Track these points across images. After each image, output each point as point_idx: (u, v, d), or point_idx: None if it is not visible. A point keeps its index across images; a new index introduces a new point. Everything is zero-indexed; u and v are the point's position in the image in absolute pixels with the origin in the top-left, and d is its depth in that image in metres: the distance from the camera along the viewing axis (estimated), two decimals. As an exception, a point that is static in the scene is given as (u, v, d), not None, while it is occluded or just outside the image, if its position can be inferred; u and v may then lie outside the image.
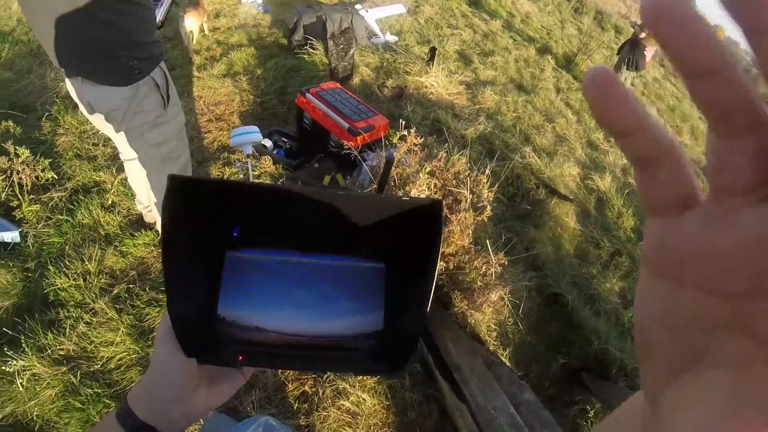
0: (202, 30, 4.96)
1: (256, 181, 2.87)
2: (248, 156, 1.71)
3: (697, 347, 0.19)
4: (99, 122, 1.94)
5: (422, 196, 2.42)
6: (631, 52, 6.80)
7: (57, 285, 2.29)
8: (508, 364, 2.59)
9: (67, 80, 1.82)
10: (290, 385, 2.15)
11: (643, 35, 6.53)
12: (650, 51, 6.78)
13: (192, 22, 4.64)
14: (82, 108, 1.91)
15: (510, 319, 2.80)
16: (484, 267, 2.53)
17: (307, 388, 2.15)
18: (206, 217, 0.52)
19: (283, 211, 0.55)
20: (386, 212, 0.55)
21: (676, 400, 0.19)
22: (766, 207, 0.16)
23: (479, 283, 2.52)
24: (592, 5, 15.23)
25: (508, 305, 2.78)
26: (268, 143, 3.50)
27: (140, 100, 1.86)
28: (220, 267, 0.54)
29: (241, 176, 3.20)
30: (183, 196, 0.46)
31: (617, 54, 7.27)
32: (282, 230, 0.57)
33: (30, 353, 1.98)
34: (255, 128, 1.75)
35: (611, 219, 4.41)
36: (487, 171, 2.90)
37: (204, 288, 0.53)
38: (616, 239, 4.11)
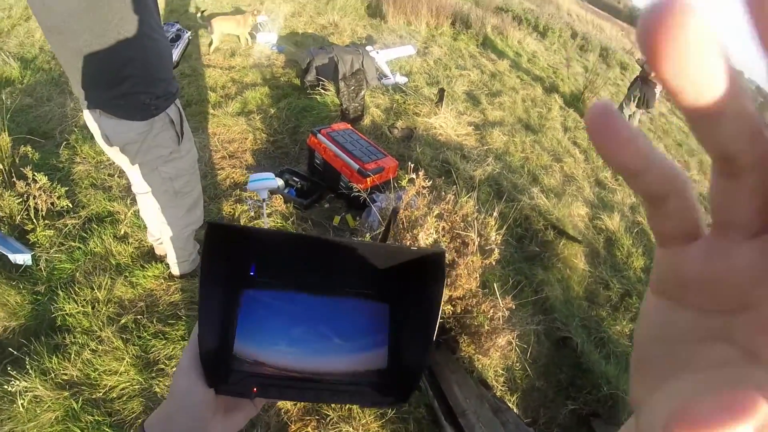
0: (246, 40, 5.50)
1: (273, 228, 2.90)
2: (263, 200, 1.76)
3: (686, 356, 0.21)
4: (114, 154, 2.01)
5: (430, 239, 2.45)
6: (641, 91, 6.82)
7: (65, 310, 2.32)
8: (515, 410, 2.54)
9: (85, 111, 1.89)
10: (293, 426, 2.13)
11: (654, 73, 6.58)
12: (659, 88, 6.83)
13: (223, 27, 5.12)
14: (98, 139, 1.97)
15: (518, 364, 2.76)
16: (491, 311, 2.52)
17: (309, 429, 2.14)
18: (230, 258, 0.56)
19: (295, 255, 0.60)
20: (393, 260, 0.58)
21: (657, 398, 0.21)
22: (760, 240, 0.18)
23: (487, 327, 2.51)
24: (597, 42, 15.50)
25: (516, 349, 2.75)
26: (280, 182, 3.53)
27: (155, 135, 1.93)
28: (238, 303, 0.58)
29: (252, 214, 3.25)
30: (217, 238, 0.51)
31: (628, 90, 7.31)
32: (293, 272, 0.60)
33: (33, 375, 2.00)
34: (271, 175, 1.81)
35: (621, 259, 4.38)
36: (495, 213, 2.92)
37: (224, 323, 0.56)
38: (626, 280, 4.07)
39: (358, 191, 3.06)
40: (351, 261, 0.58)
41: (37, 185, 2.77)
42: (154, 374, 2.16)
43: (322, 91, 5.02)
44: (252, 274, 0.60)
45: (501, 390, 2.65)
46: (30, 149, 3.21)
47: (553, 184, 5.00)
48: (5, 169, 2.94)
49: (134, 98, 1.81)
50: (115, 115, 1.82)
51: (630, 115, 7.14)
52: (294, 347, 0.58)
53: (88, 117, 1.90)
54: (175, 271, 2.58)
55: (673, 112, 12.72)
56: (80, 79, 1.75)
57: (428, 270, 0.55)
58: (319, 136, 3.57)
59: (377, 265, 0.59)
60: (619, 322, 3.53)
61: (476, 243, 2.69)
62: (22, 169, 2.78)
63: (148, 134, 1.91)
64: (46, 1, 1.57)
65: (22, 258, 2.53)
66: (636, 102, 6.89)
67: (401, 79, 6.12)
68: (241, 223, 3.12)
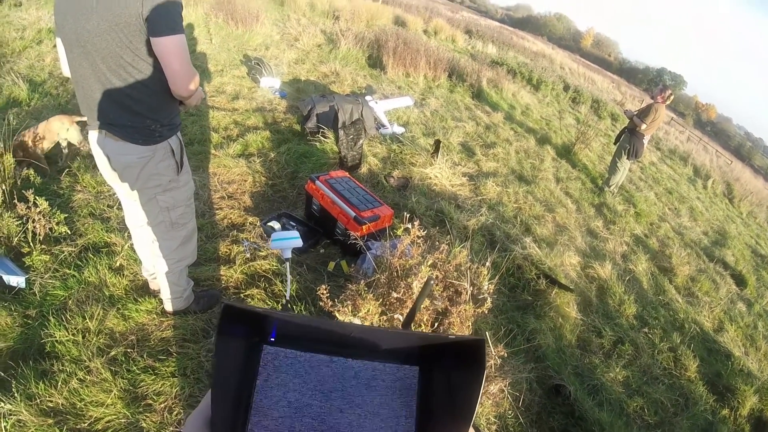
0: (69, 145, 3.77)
1: (299, 314, 2.70)
2: (287, 260, 1.80)
3: None
4: (114, 179, 2.07)
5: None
6: (629, 142, 7.04)
7: (55, 337, 2.30)
8: (508, 459, 2.57)
9: (91, 132, 1.96)
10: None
11: (644, 126, 6.79)
12: (647, 137, 7.04)
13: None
14: (100, 162, 2.04)
15: (510, 412, 2.75)
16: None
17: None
18: (247, 329, 0.56)
19: (320, 330, 0.59)
20: (426, 340, 0.59)
21: None
22: None
23: (486, 373, 2.55)
24: (588, 95, 16.03)
25: (508, 397, 2.75)
26: (277, 225, 3.62)
27: (156, 162, 2.00)
28: (257, 362, 0.57)
29: (248, 255, 3.27)
30: (232, 315, 0.51)
31: (614, 143, 7.52)
32: (317, 339, 0.59)
33: (19, 399, 1.97)
34: (296, 233, 1.84)
35: (613, 307, 4.43)
36: (488, 263, 3.00)
37: (241, 385, 0.56)
38: (618, 327, 4.11)
39: (354, 238, 3.12)
40: (379, 340, 0.58)
41: (38, 209, 2.79)
42: (141, 409, 2.14)
43: (322, 138, 5.17)
44: (272, 339, 0.59)
45: (493, 439, 2.66)
46: (33, 173, 3.26)
47: (545, 234, 5.10)
48: (6, 190, 2.96)
49: (141, 123, 1.89)
50: (120, 137, 1.90)
51: (623, 168, 7.36)
52: (316, 412, 0.56)
53: (92, 138, 1.97)
54: (169, 307, 2.59)
55: (663, 161, 13.02)
56: (92, 99, 1.84)
57: (466, 351, 0.54)
58: (317, 182, 3.67)
59: (406, 345, 0.59)
60: (612, 369, 3.55)
61: (469, 292, 2.76)
62: (23, 191, 2.81)
63: (150, 160, 1.98)
64: (77, 15, 1.68)
65: (16, 280, 2.52)
66: (627, 153, 7.09)
67: (399, 130, 6.32)
68: (237, 264, 3.16)
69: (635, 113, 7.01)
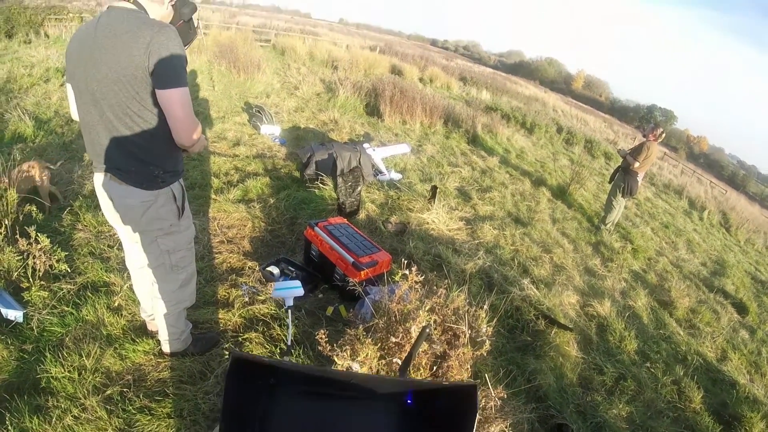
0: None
1: (303, 364, 2.77)
2: (289, 308, 1.83)
3: None
4: (116, 220, 2.13)
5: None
6: (623, 180, 7.16)
7: (51, 373, 2.30)
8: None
9: (96, 174, 2.03)
10: None
11: (637, 164, 6.93)
12: (641, 175, 7.17)
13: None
14: (103, 203, 2.11)
15: None
16: (483, 401, 2.59)
17: None
18: (255, 376, 0.60)
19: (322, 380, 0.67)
20: (421, 386, 0.65)
21: None
22: None
23: (478, 417, 2.57)
24: (581, 135, 16.34)
25: (509, 439, 2.79)
26: (276, 270, 3.65)
27: (159, 207, 2.06)
28: (261, 407, 0.61)
29: (246, 299, 3.29)
30: (240, 366, 0.58)
31: (609, 182, 7.66)
32: (317, 384, 0.63)
33: None
34: (297, 283, 1.88)
35: (613, 344, 4.42)
36: (486, 305, 3.04)
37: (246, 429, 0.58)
38: (620, 363, 4.08)
39: (353, 284, 3.15)
40: (377, 387, 0.65)
41: (39, 246, 2.83)
42: None
43: (321, 185, 5.28)
44: (272, 381, 0.65)
45: (496, 483, 2.65)
46: (35, 209, 3.31)
47: (543, 275, 5.13)
48: (8, 225, 3.01)
49: (145, 169, 1.96)
50: (125, 181, 1.96)
51: (618, 206, 7.47)
52: None
53: (97, 180, 2.04)
54: (166, 348, 2.59)
55: (658, 196, 13.16)
56: (99, 144, 1.92)
57: (459, 397, 0.58)
58: (316, 228, 3.74)
59: (403, 390, 0.66)
60: (615, 405, 3.51)
61: (467, 335, 2.79)
62: (25, 227, 2.86)
63: (152, 205, 2.04)
64: (87, 65, 1.78)
65: (14, 314, 2.54)
66: (621, 192, 7.22)
67: (396, 176, 6.46)
68: (236, 308, 3.19)
69: (628, 152, 7.17)
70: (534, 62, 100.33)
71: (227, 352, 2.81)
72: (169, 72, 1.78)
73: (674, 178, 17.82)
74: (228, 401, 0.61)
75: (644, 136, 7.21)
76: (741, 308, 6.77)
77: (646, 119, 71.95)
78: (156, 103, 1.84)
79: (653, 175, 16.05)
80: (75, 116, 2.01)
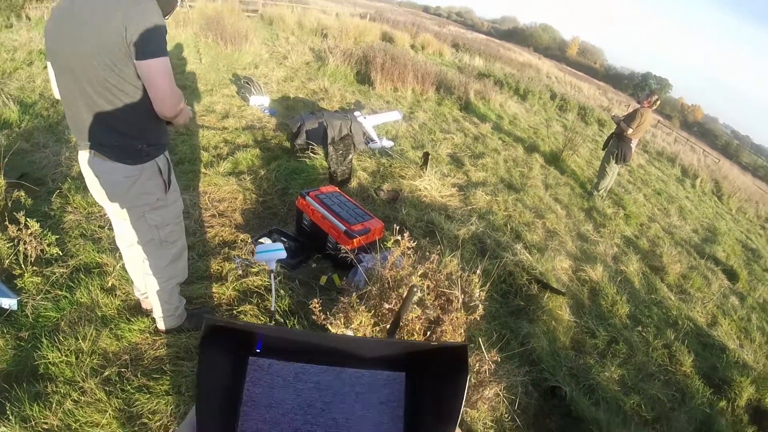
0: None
1: (282, 326, 2.78)
2: (272, 272, 1.78)
3: None
4: (103, 197, 2.11)
5: (414, 298, 2.55)
6: (617, 146, 7.14)
7: (48, 358, 2.30)
8: (507, 461, 2.59)
9: (80, 152, 2.01)
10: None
11: (630, 131, 6.89)
12: (634, 142, 7.14)
13: None
14: (89, 182, 2.08)
15: (507, 415, 2.76)
16: (477, 365, 2.61)
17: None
18: (233, 342, 0.57)
19: (306, 342, 0.61)
20: (410, 347, 0.61)
21: None
22: None
23: (473, 381, 2.59)
24: (575, 102, 16.22)
25: (504, 401, 2.78)
26: (268, 242, 3.62)
27: (144, 181, 2.04)
28: (245, 373, 0.58)
29: (240, 272, 3.28)
30: (215, 331, 0.53)
31: (603, 148, 7.62)
32: (301, 347, 0.60)
33: (14, 422, 1.97)
34: (280, 245, 1.81)
35: (605, 308, 4.47)
36: (479, 270, 3.04)
37: (227, 399, 0.56)
38: (611, 327, 4.13)
39: (345, 252, 3.14)
40: (364, 349, 0.60)
41: (29, 231, 2.79)
42: (137, 428, 2.14)
43: (312, 154, 5.23)
44: (258, 350, 0.60)
45: (491, 442, 2.68)
46: (23, 194, 3.25)
47: (535, 240, 5.15)
48: None
49: (128, 143, 1.94)
50: (109, 157, 1.94)
51: (612, 173, 7.46)
52: (304, 425, 0.57)
53: (82, 158, 2.01)
54: (161, 326, 2.60)
55: (651, 163, 13.17)
56: (81, 121, 1.89)
57: (450, 357, 0.56)
58: (307, 198, 3.71)
59: (392, 352, 0.61)
60: (607, 368, 3.57)
61: (460, 300, 2.79)
62: (14, 213, 2.82)
63: (138, 179, 2.02)
64: (66, 41, 1.74)
65: (8, 302, 2.52)
66: (615, 158, 7.19)
67: (388, 143, 6.39)
68: (229, 281, 3.18)
69: (622, 118, 7.12)
70: (528, 28, 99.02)
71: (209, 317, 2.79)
72: (148, 42, 1.73)
73: (667, 145, 17.79)
74: (204, 375, 0.53)
75: (639, 102, 7.15)
76: (731, 275, 6.86)
77: (640, 87, 71.55)
78: (136, 76, 1.80)
79: (646, 142, 16.03)
80: (57, 95, 1.97)
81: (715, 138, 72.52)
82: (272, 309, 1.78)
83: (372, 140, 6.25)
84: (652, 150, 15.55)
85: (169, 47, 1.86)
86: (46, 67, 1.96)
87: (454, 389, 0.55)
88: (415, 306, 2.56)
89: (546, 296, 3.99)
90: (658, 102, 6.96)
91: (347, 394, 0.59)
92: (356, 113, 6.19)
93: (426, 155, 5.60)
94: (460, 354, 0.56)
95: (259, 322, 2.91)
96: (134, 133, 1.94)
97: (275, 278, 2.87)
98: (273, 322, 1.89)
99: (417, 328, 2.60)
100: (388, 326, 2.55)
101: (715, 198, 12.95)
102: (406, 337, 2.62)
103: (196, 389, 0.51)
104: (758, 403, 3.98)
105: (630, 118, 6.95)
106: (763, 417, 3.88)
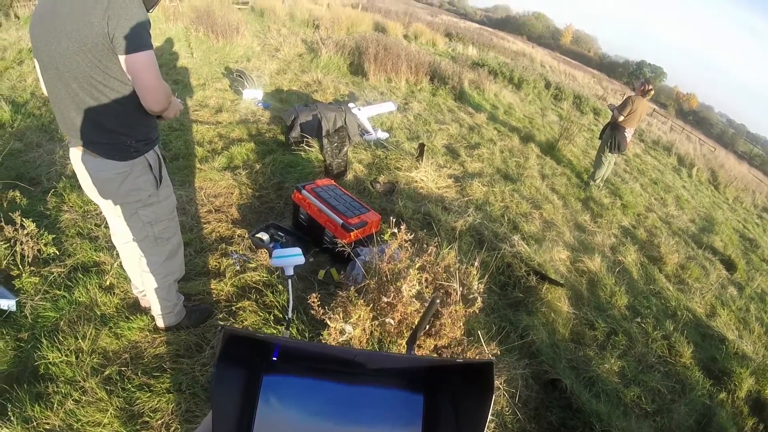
0: None
1: (302, 340, 2.65)
2: (289, 277, 1.73)
3: None
4: (95, 195, 2.09)
5: (413, 291, 2.52)
6: (612, 136, 7.12)
7: (49, 359, 2.29)
8: (508, 455, 2.58)
9: (71, 149, 2.00)
10: None
11: (621, 118, 6.87)
12: (629, 131, 7.11)
13: None
14: (81, 179, 2.07)
15: (507, 408, 2.76)
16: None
17: None
18: (248, 349, 0.55)
19: (324, 354, 0.59)
20: (432, 364, 0.59)
21: None
22: None
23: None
24: (570, 91, 16.17)
25: (504, 394, 2.77)
26: (265, 237, 3.61)
27: (135, 177, 2.03)
28: (258, 389, 0.56)
29: (237, 268, 3.26)
30: (232, 341, 0.50)
31: (599, 138, 7.60)
32: (320, 360, 0.59)
33: (16, 423, 1.97)
34: (298, 250, 1.76)
35: (604, 299, 4.46)
36: (477, 262, 3.01)
37: (241, 411, 0.55)
38: (611, 318, 4.13)
39: (342, 245, 3.13)
40: (383, 364, 0.58)
41: (25, 231, 2.77)
42: (138, 427, 2.13)
43: (306, 147, 5.18)
44: (275, 359, 0.58)
45: (492, 435, 2.66)
46: (18, 194, 3.23)
47: (533, 231, 5.13)
48: None
49: (116, 139, 1.92)
50: (98, 154, 1.92)
51: (608, 162, 7.43)
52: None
53: (73, 156, 2.00)
54: (160, 323, 2.59)
55: (647, 152, 13.17)
56: (69, 118, 1.87)
57: (474, 375, 0.53)
58: (303, 192, 3.68)
59: (412, 365, 0.59)
60: (606, 360, 3.56)
61: (459, 292, 2.78)
62: (10, 213, 2.80)
63: (128, 176, 2.01)
64: (49, 38, 1.72)
65: (7, 304, 2.51)
66: (609, 147, 7.16)
67: (383, 135, 6.35)
68: (227, 277, 3.16)
69: (616, 107, 7.09)
70: (521, 17, 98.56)
71: (221, 323, 2.78)
72: (132, 36, 1.71)
73: (663, 134, 17.80)
74: (220, 382, 0.51)
75: (633, 90, 7.14)
76: (729, 265, 6.88)
77: (635, 75, 71.50)
78: (121, 71, 1.78)
79: (642, 131, 16.02)
80: (45, 92, 1.95)
81: (710, 126, 72.70)
82: (288, 317, 1.74)
83: (367, 132, 6.21)
84: (648, 139, 15.56)
85: (159, 42, 1.82)
86: (35, 66, 1.92)
87: (477, 409, 0.52)
88: (414, 299, 2.54)
89: (544, 288, 3.97)
90: (652, 92, 6.93)
91: (363, 412, 0.57)
92: (350, 105, 6.13)
93: (421, 146, 5.57)
94: (486, 372, 0.52)
95: (258, 318, 2.90)
96: (122, 130, 1.92)
97: (293, 285, 2.83)
98: (288, 331, 1.87)
99: (416, 322, 2.57)
100: (387, 320, 2.52)
101: (711, 187, 12.98)
102: (404, 331, 2.59)
103: (212, 398, 0.50)
104: (758, 395, 3.98)
105: (622, 105, 6.92)
106: (763, 408, 3.89)
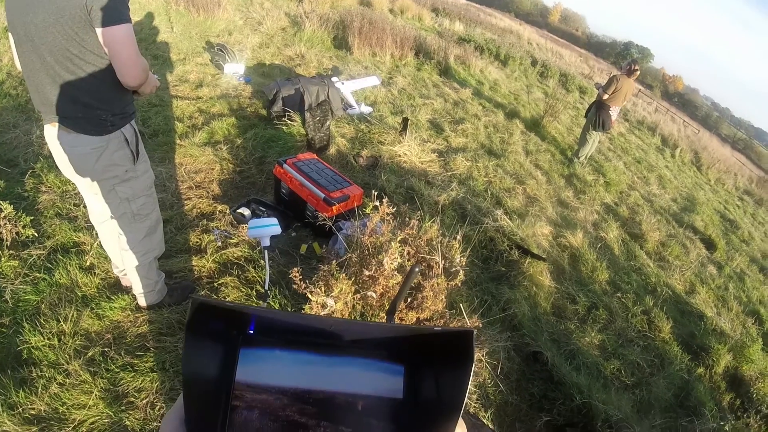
0: None
1: (278, 309, 2.57)
2: (266, 248, 1.70)
3: None
4: (71, 172, 2.05)
5: (395, 264, 2.50)
6: (597, 114, 7.13)
7: (31, 343, 2.27)
8: (491, 425, 2.59)
9: (46, 126, 1.95)
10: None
11: (606, 96, 6.88)
12: (615, 110, 7.12)
13: None
14: (56, 155, 2.02)
15: (490, 380, 2.80)
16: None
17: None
18: (222, 323, 0.53)
19: (301, 325, 0.58)
20: (411, 333, 0.58)
21: None
22: None
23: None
24: (556, 69, 16.13)
25: (486, 366, 2.81)
26: (246, 212, 3.58)
27: (111, 152, 2.00)
28: (234, 360, 0.55)
29: (219, 244, 3.23)
30: (201, 311, 0.49)
31: (585, 116, 7.61)
32: (295, 331, 0.57)
33: (1, 410, 1.95)
34: (274, 220, 1.73)
35: (586, 274, 4.50)
36: (459, 236, 3.00)
37: (218, 386, 0.53)
38: (592, 293, 4.18)
39: (324, 219, 3.10)
40: (362, 333, 0.57)
41: (2, 214, 2.72)
42: (123, 407, 2.13)
43: (289, 121, 5.09)
44: (251, 332, 0.57)
45: (475, 407, 2.68)
46: None
47: (516, 206, 5.14)
48: None
49: (92, 114, 1.88)
50: (73, 129, 1.89)
51: (592, 140, 7.45)
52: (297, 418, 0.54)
53: (48, 133, 1.96)
54: (142, 302, 2.57)
55: (632, 132, 13.24)
56: (43, 93, 1.83)
57: (454, 344, 0.53)
58: (285, 166, 3.63)
59: (393, 334, 0.58)
60: (587, 333, 3.62)
61: (441, 265, 2.77)
62: None
63: (104, 151, 1.98)
64: (25, 11, 1.67)
65: None
66: (594, 126, 7.17)
67: (366, 109, 6.26)
68: (209, 254, 3.12)
69: (602, 85, 7.10)
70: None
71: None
72: (111, 9, 1.68)
73: (648, 115, 17.91)
74: (191, 361, 0.49)
75: (620, 70, 7.17)
76: (709, 244, 7.00)
77: (622, 55, 71.63)
78: (98, 44, 1.75)
79: (627, 111, 16.08)
80: (20, 67, 1.90)
81: (695, 109, 73.34)
82: (265, 289, 1.70)
83: (350, 106, 6.11)
84: (633, 119, 15.64)
85: (139, 16, 1.77)
86: (10, 43, 1.86)
87: (458, 377, 0.51)
88: (396, 272, 2.52)
89: (527, 262, 4.00)
90: (638, 72, 6.96)
91: (344, 383, 0.56)
92: (334, 79, 6.01)
93: (405, 121, 5.51)
94: (465, 340, 0.52)
95: (241, 294, 2.88)
96: (98, 104, 1.88)
97: (269, 255, 2.80)
98: (266, 304, 1.85)
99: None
100: (369, 293, 2.51)
101: (694, 168, 13.14)
102: (385, 303, 2.58)
103: (183, 371, 0.48)
104: (735, 371, 4.07)
105: (607, 84, 6.94)
106: (740, 384, 3.98)
